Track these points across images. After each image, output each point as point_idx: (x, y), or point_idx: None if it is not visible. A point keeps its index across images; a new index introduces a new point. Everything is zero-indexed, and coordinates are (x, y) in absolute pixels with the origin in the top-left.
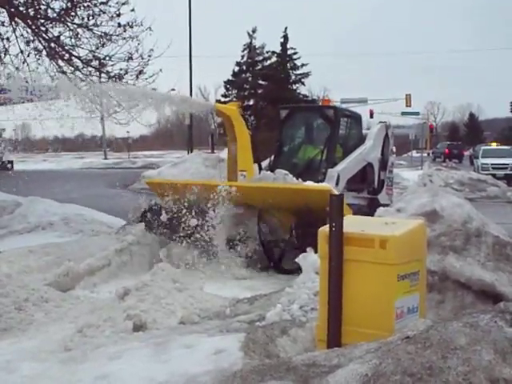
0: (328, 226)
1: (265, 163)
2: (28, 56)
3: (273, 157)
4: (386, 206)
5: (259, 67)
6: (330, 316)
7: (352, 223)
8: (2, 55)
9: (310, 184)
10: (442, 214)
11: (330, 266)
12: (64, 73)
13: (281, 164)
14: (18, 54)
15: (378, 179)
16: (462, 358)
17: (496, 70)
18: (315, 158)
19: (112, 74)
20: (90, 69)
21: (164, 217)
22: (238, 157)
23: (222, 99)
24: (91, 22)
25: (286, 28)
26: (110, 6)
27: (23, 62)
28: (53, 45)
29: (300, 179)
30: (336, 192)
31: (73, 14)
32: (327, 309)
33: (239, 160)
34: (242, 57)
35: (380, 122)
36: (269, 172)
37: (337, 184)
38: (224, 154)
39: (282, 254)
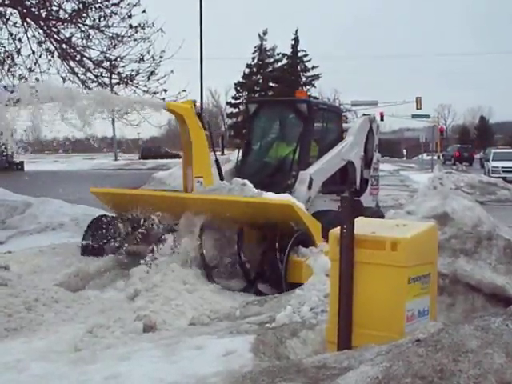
0: (339, 227)
1: (231, 164)
2: (40, 57)
3: (240, 156)
4: (370, 208)
5: (270, 69)
6: (341, 318)
7: (363, 225)
8: (15, 56)
9: (269, 196)
10: (453, 216)
11: (341, 268)
12: (75, 74)
13: (249, 164)
14: (29, 55)
15: (361, 179)
16: (474, 361)
17: (507, 73)
18: (287, 157)
19: (123, 75)
20: (101, 70)
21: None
22: (194, 161)
23: (233, 101)
24: (103, 24)
25: (296, 30)
26: (121, 8)
27: (35, 63)
28: (64, 46)
29: (260, 190)
30: (299, 204)
31: (84, 15)
32: (337, 311)
33: (195, 165)
34: (253, 59)
35: (363, 115)
36: (224, 182)
37: (309, 188)
38: (233, 155)
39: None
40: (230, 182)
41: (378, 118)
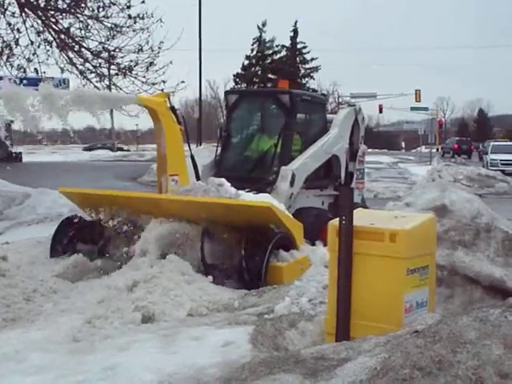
0: (338, 219)
1: (210, 158)
2: (38, 47)
3: (219, 150)
4: (355, 203)
5: (269, 61)
6: (339, 309)
7: (362, 216)
8: (13, 46)
9: (247, 198)
10: (452, 208)
11: (340, 259)
12: (74, 64)
13: (228, 159)
14: (28, 45)
15: (346, 172)
16: (472, 352)
17: (507, 66)
18: (269, 151)
19: (122, 66)
20: (99, 60)
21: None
22: (168, 159)
23: None
24: (101, 14)
25: (295, 22)
26: None
27: (33, 54)
28: (63, 36)
29: (239, 186)
30: (279, 205)
31: (83, 5)
32: (336, 302)
33: (169, 162)
34: (252, 50)
35: (349, 106)
36: (199, 182)
37: (291, 185)
38: None
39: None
40: (207, 178)
41: (378, 110)
